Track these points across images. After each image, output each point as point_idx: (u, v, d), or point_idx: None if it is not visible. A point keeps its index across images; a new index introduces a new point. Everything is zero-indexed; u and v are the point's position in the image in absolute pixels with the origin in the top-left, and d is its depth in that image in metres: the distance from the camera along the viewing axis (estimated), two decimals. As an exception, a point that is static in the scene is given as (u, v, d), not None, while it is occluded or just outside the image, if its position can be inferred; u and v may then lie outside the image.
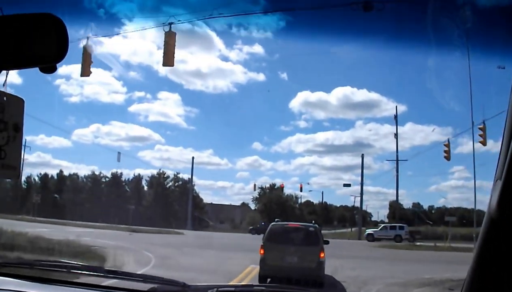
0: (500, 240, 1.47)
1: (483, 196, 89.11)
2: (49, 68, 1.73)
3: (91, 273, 2.82)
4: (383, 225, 48.97)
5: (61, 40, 1.69)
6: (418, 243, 37.42)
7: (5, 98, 1.86)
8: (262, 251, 13.43)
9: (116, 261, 16.38)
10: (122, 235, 31.72)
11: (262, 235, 15.31)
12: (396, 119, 48.73)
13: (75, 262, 3.00)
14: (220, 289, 2.57)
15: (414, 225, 52.26)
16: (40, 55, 1.70)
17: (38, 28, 1.68)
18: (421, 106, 73.85)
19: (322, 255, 13.40)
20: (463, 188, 74.71)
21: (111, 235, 30.38)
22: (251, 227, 50.79)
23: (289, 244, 13.80)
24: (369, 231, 46.73)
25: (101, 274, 2.81)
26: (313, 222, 16.81)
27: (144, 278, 2.72)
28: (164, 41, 12.60)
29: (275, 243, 13.78)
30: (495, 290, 1.55)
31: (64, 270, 2.78)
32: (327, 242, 14.24)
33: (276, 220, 17.01)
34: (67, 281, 2.71)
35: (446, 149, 28.38)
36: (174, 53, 12.65)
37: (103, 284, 2.82)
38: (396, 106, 49.01)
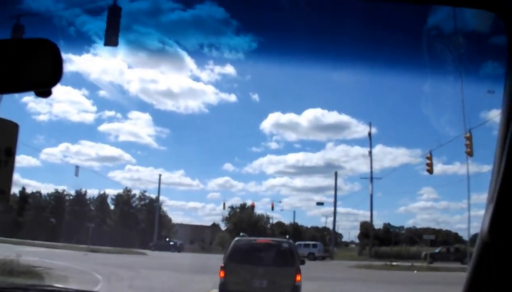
0: (492, 263, 1.46)
1: (449, 217, 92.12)
2: (45, 92, 1.76)
3: None
4: (297, 243, 47.90)
5: (57, 65, 1.71)
6: (394, 263, 35.57)
7: None
8: (222, 273, 11.09)
9: (58, 283, 14.59)
10: (77, 255, 29.51)
11: None
12: (370, 136, 47.88)
13: (69, 287, 3.01)
14: None
15: (389, 244, 51.21)
16: (35, 79, 1.72)
17: (34, 53, 1.70)
18: (390, 129, 75.59)
19: (298, 277, 11.14)
20: (431, 208, 79.22)
21: (65, 255, 28.53)
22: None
23: (257, 265, 11.48)
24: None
25: None
26: (287, 237, 14.92)
27: None
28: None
29: (239, 263, 11.44)
30: None
31: None
32: (303, 262, 12.10)
33: (241, 234, 14.28)
34: None
35: (428, 162, 27.20)
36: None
37: None
38: (370, 123, 47.99)
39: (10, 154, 1.87)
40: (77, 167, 44.28)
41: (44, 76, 1.70)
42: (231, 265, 11.30)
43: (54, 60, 1.69)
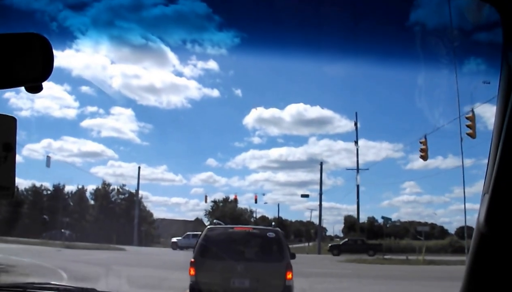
0: (490, 254, 1.46)
1: (432, 211, 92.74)
2: (35, 87, 1.75)
3: None
4: (186, 233, 47.35)
5: (47, 59, 1.70)
6: (387, 257, 34.29)
7: None
8: (192, 271, 9.04)
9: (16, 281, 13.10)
10: (49, 252, 27.79)
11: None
12: (356, 127, 46.59)
13: (68, 285, 3.03)
14: None
15: (373, 238, 50.22)
16: (26, 74, 1.71)
17: (24, 48, 1.69)
18: (373, 123, 76.26)
19: (289, 275, 8.94)
20: (414, 202, 76.76)
21: (36, 252, 26.77)
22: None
23: (236, 260, 9.20)
24: (173, 239, 46.03)
25: None
26: (273, 224, 12.97)
27: None
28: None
29: (213, 258, 9.31)
30: None
31: None
32: (293, 256, 9.85)
33: (215, 221, 12.07)
34: None
35: (423, 147, 25.82)
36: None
37: None
38: (356, 113, 46.80)
39: (9, 149, 1.78)
40: (48, 157, 42.24)
41: (34, 71, 1.69)
42: (203, 260, 9.30)
43: (45, 55, 1.69)
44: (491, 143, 1.43)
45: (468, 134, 21.29)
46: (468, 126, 21.44)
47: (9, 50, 1.66)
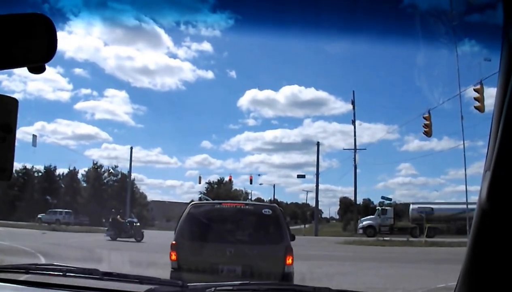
0: (492, 232, 1.46)
1: (427, 193, 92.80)
2: (38, 68, 1.72)
3: (87, 275, 2.73)
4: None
5: (51, 40, 1.68)
6: (387, 238, 32.91)
7: None
8: (173, 255, 7.61)
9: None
10: (33, 235, 26.62)
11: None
12: (353, 105, 45.23)
13: (71, 266, 2.84)
14: (218, 288, 2.57)
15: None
16: (29, 55, 1.70)
17: (27, 28, 1.68)
18: (368, 105, 76.24)
19: (289, 260, 7.59)
20: (409, 184, 77.54)
21: (20, 235, 25.73)
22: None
23: (225, 242, 7.78)
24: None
25: (97, 277, 2.70)
26: (270, 199, 11.35)
27: (141, 280, 2.65)
28: None
29: (197, 239, 7.92)
30: (490, 283, 1.51)
31: (60, 273, 2.74)
32: (293, 237, 8.38)
33: (200, 195, 9.71)
34: (63, 285, 2.64)
35: (427, 122, 24.53)
36: None
37: (99, 286, 2.68)
38: (353, 91, 45.39)
39: (9, 130, 1.72)
40: (34, 136, 40.81)
41: (38, 51, 1.67)
42: (186, 243, 7.86)
43: (49, 35, 1.67)
44: (492, 120, 1.42)
45: (476, 107, 19.91)
46: (476, 99, 20.08)
47: (12, 30, 1.65)
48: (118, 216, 29.28)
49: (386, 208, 41.99)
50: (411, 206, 41.26)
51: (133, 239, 27.02)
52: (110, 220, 29.56)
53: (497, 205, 1.38)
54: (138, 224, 29.53)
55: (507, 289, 1.48)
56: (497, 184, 1.36)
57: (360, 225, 40.82)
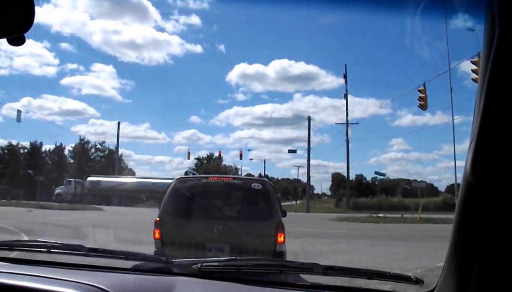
0: (478, 204, 1.43)
1: (421, 168, 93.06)
2: (17, 39, 1.61)
3: (72, 252, 2.68)
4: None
5: (27, 9, 1.56)
6: (380, 215, 32.38)
7: None
8: (157, 233, 7.01)
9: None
10: (18, 213, 25.70)
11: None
12: (345, 78, 44.40)
13: (56, 242, 2.76)
14: (204, 264, 2.52)
15: (362, 195, 48.92)
16: (5, 26, 1.59)
17: None
18: (359, 80, 76.77)
19: (280, 237, 7.03)
20: (402, 160, 77.02)
21: (3, 212, 24.81)
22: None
23: (212, 218, 7.18)
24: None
25: (82, 253, 2.65)
26: (260, 173, 10.85)
27: (126, 255, 2.64)
28: None
29: (182, 216, 7.31)
30: (478, 257, 1.47)
31: (44, 250, 2.70)
32: (284, 214, 7.75)
33: (187, 170, 9.11)
34: (48, 261, 2.63)
35: (422, 95, 23.81)
36: None
37: (84, 263, 2.59)
38: (346, 64, 44.44)
39: None
40: (18, 111, 39.59)
41: (14, 21, 1.55)
42: (170, 220, 7.29)
43: (24, 4, 1.55)
44: (477, 90, 1.41)
45: (473, 80, 19.18)
46: (473, 71, 19.34)
47: None
48: None
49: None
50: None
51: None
52: None
53: (481, 176, 1.37)
54: None
55: (495, 261, 1.45)
56: (481, 154, 1.35)
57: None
